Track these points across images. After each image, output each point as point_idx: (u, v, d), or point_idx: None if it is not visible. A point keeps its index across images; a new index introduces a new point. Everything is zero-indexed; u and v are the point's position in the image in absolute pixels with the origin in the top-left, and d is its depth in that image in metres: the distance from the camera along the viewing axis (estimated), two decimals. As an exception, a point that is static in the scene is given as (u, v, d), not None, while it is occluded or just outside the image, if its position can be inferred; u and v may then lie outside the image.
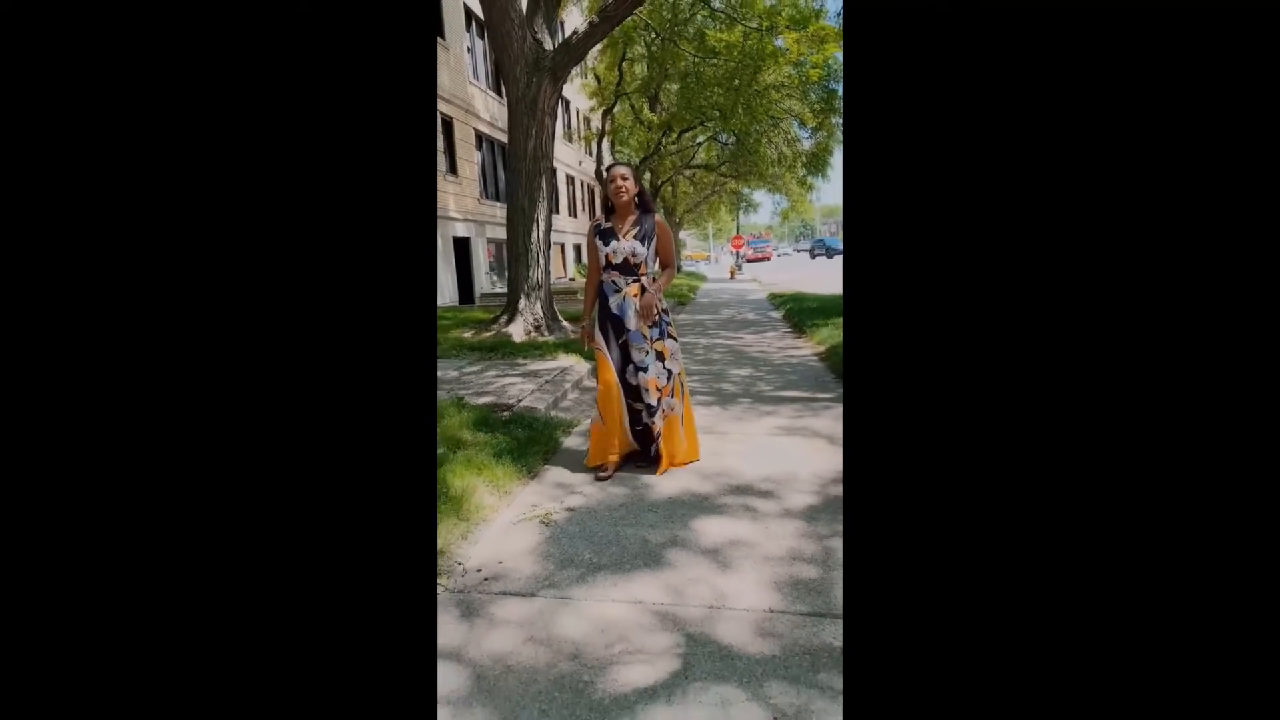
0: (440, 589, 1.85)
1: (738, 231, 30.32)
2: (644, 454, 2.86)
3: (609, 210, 2.83)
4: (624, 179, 2.73)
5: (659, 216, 2.85)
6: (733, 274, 23.01)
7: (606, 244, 2.75)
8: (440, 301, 11.41)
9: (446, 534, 2.09)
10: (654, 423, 2.77)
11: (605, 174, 2.82)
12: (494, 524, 2.30)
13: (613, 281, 2.76)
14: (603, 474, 2.71)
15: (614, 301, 2.75)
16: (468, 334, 6.34)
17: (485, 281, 13.62)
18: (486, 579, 1.91)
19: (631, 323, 2.72)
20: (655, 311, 2.72)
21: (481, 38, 14.17)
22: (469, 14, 13.42)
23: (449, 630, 1.65)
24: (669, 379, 2.79)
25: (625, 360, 2.76)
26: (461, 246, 12.77)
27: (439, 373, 4.71)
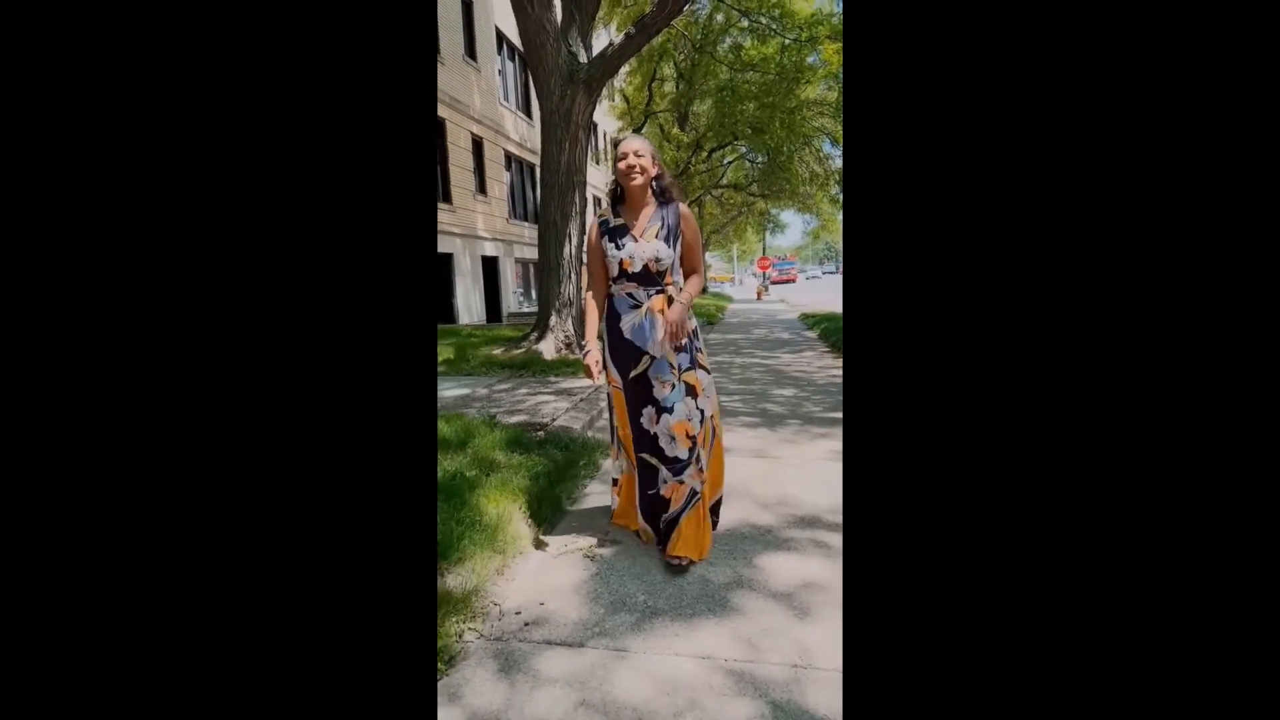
0: (475, 635, 1.60)
1: (764, 253, 30.14)
2: (652, 529, 2.07)
3: (617, 199, 2.05)
4: (638, 155, 1.95)
5: (684, 208, 2.05)
6: (759, 295, 22.82)
7: (620, 247, 1.98)
8: (468, 320, 11.35)
9: (481, 569, 1.85)
10: (681, 482, 1.96)
11: (614, 150, 2.09)
12: (532, 557, 2.06)
13: (628, 295, 2.00)
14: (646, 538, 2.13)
15: (628, 321, 1.99)
16: (497, 351, 6.16)
17: (513, 301, 13.57)
18: (527, 624, 1.66)
19: (655, 347, 1.96)
20: (688, 329, 1.96)
21: (512, 60, 14.29)
22: (500, 37, 13.55)
23: (487, 688, 1.40)
24: (702, 422, 2.00)
25: (643, 400, 1.99)
26: (489, 266, 12.75)
27: (468, 390, 4.52)
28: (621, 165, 1.97)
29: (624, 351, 2.00)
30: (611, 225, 2.02)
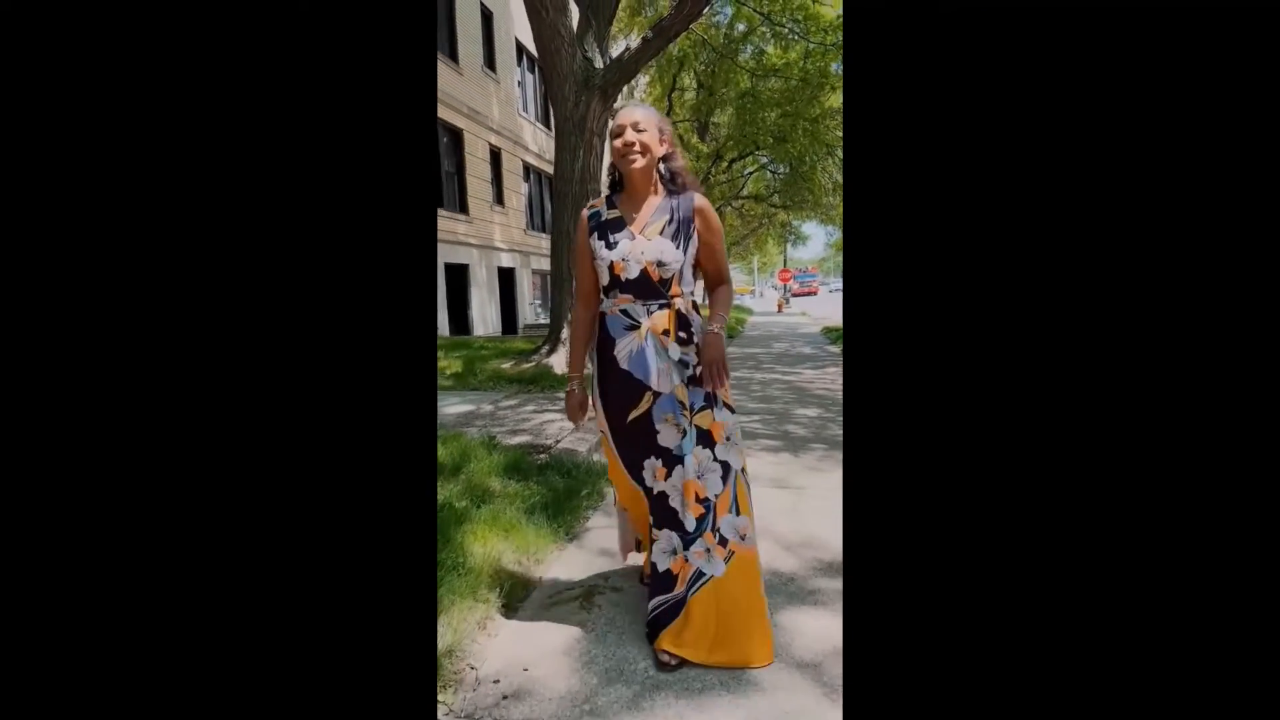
0: (444, 710, 1.35)
1: (785, 265, 29.82)
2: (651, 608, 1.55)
3: (615, 187, 1.57)
4: (638, 129, 1.46)
5: (701, 199, 1.54)
6: (780, 307, 22.53)
7: (611, 246, 1.50)
8: (483, 331, 11.22)
9: (459, 623, 1.60)
10: (684, 560, 1.49)
11: (611, 126, 1.60)
12: (518, 607, 1.80)
13: (622, 311, 1.51)
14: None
15: (624, 347, 1.51)
16: (507, 365, 5.95)
17: (529, 313, 13.44)
18: (505, 697, 1.40)
19: (660, 381, 1.48)
20: (724, 369, 1.48)
21: (532, 72, 14.26)
22: (520, 48, 13.53)
23: (445, 790, 1.14)
24: (726, 481, 1.49)
25: (644, 449, 1.53)
26: (506, 277, 12.64)
27: (472, 407, 4.31)
28: (618, 143, 1.47)
29: (621, 386, 1.51)
30: (604, 218, 1.53)
